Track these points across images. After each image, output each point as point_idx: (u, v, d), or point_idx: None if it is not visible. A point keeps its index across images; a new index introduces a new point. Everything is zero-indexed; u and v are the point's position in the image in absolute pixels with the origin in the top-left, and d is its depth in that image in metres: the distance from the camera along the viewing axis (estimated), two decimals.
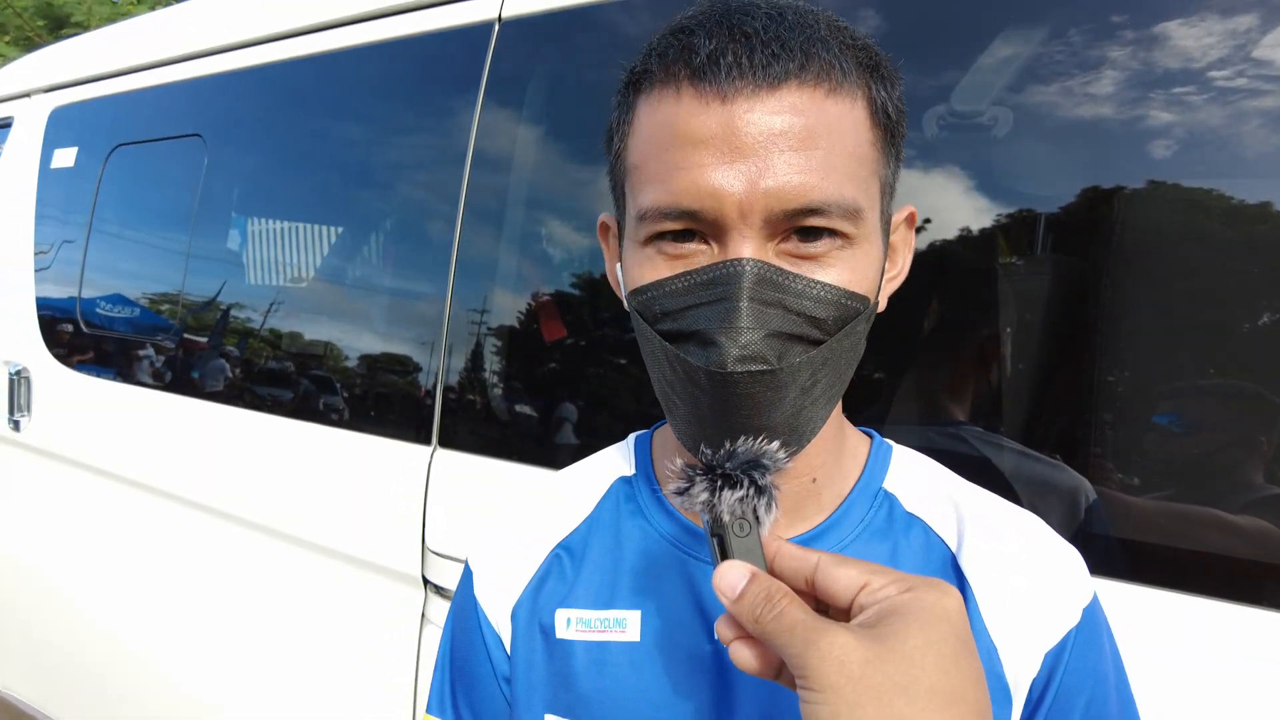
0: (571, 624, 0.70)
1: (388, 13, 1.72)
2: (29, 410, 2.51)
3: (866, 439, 0.76)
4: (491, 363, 1.52)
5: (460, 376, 1.54)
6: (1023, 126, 1.02)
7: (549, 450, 1.42)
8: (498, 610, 0.73)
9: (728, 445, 0.55)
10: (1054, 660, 0.63)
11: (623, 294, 0.68)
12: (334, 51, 1.82)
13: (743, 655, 0.50)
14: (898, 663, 0.43)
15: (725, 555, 0.53)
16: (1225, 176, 0.91)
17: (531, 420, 1.47)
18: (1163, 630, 0.90)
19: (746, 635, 0.50)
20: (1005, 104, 1.04)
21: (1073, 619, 0.64)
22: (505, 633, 0.73)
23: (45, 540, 2.45)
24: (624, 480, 0.77)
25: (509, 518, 0.79)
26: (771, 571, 0.52)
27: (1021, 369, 1.02)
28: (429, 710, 0.78)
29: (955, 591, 0.48)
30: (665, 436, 0.77)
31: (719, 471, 0.54)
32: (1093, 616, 0.66)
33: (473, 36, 1.58)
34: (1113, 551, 0.95)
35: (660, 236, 0.58)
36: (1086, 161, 0.99)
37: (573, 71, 1.49)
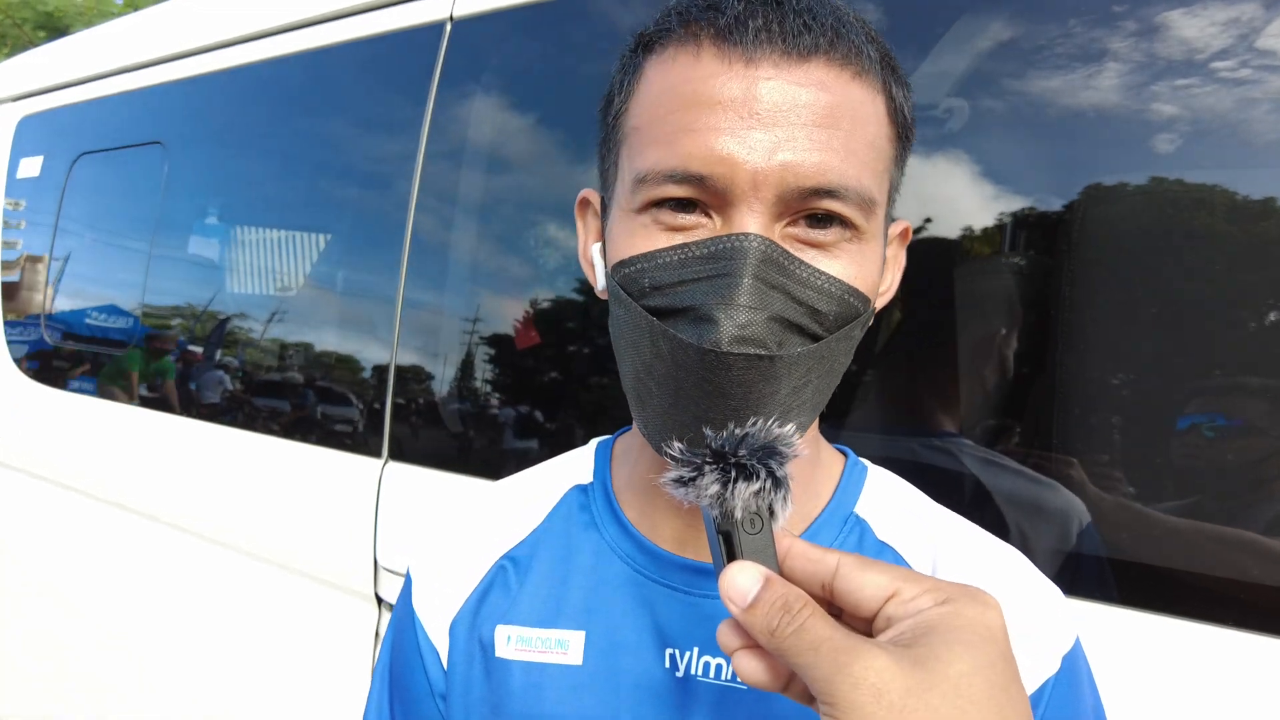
0: (511, 641, 0.64)
1: (339, 15, 1.68)
2: None
3: (841, 457, 0.70)
4: (444, 373, 1.47)
5: (411, 387, 1.50)
6: (1039, 122, 0.96)
7: (503, 463, 1.36)
8: (436, 624, 0.68)
9: (734, 428, 0.48)
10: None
11: (597, 276, 0.62)
12: (288, 56, 1.78)
13: (750, 667, 0.44)
14: (944, 692, 0.37)
15: (733, 556, 0.46)
16: (1232, 169, 0.85)
17: (485, 432, 1.42)
18: (1161, 656, 0.84)
19: (753, 645, 0.44)
20: (1011, 99, 0.99)
21: (1051, 667, 0.58)
22: (443, 648, 0.68)
23: (11, 556, 2.41)
24: (579, 489, 0.71)
25: (454, 524, 0.73)
26: (782, 573, 0.45)
27: (1016, 377, 0.96)
28: (365, 718, 0.73)
29: (997, 604, 0.42)
30: (629, 443, 0.71)
31: (732, 459, 0.46)
32: (1073, 665, 0.60)
33: (424, 36, 1.54)
34: (1103, 574, 0.88)
35: (659, 205, 0.53)
36: (1094, 161, 0.93)
37: (526, 69, 1.44)
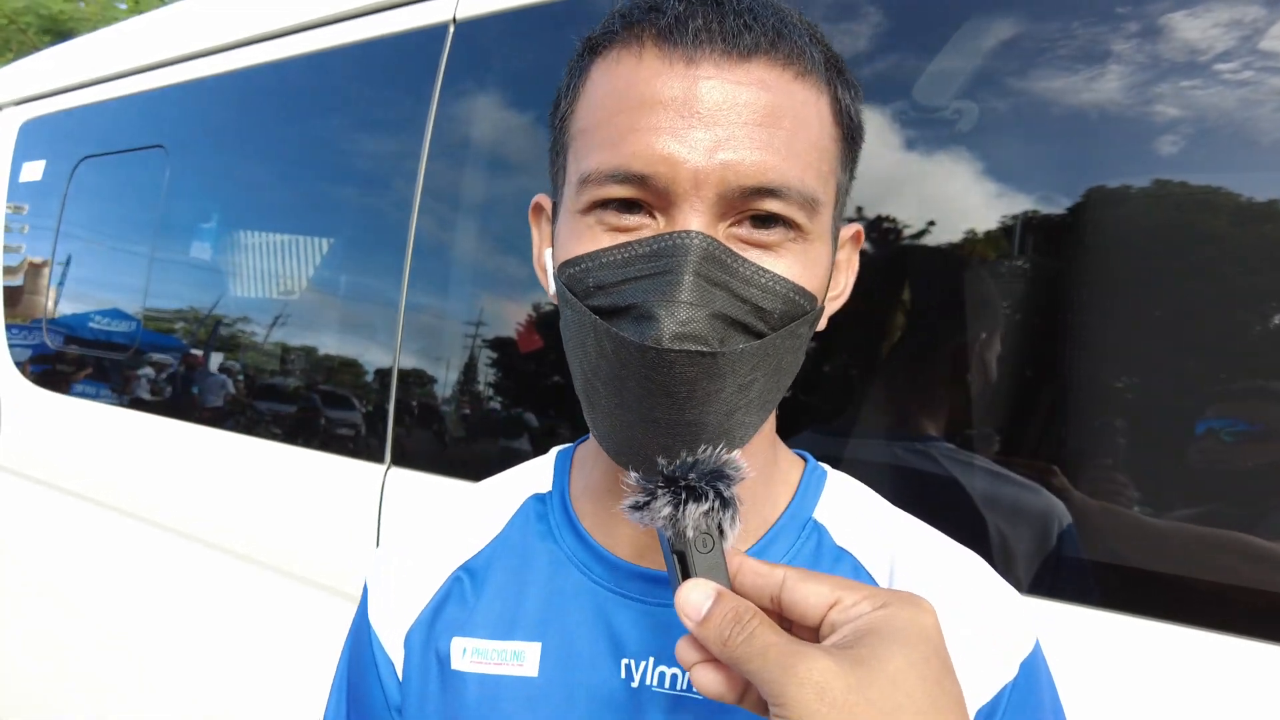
0: (467, 654, 0.64)
1: (341, 17, 1.67)
2: None
3: (800, 462, 0.70)
4: (447, 378, 1.46)
5: (415, 392, 1.48)
6: (998, 122, 0.96)
7: (506, 468, 1.35)
8: (391, 635, 0.67)
9: (685, 456, 0.51)
10: (987, 715, 0.57)
11: (549, 280, 0.62)
12: (288, 59, 1.77)
13: (707, 679, 0.46)
14: (881, 687, 0.41)
15: (687, 574, 0.49)
16: (1227, 172, 0.85)
17: (487, 437, 1.41)
18: (1140, 658, 0.83)
19: (710, 659, 0.46)
20: (983, 98, 0.98)
21: (1009, 673, 0.58)
22: (398, 660, 0.67)
23: (13, 560, 2.40)
24: (537, 498, 0.71)
25: (409, 535, 0.73)
26: (734, 589, 0.48)
27: (998, 381, 0.95)
28: None
29: (931, 607, 0.45)
30: (587, 451, 0.70)
31: (681, 483, 0.49)
32: (1032, 671, 0.60)
33: (427, 38, 1.53)
34: (1083, 576, 0.88)
35: (603, 205, 0.53)
36: (1068, 160, 0.92)
37: (529, 70, 1.43)
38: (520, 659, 0.62)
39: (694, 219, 0.51)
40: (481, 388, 1.44)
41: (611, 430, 0.55)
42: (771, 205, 0.52)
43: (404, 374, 1.49)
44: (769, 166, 0.51)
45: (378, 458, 1.50)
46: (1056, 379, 0.91)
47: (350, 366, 1.63)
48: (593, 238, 0.54)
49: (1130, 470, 0.86)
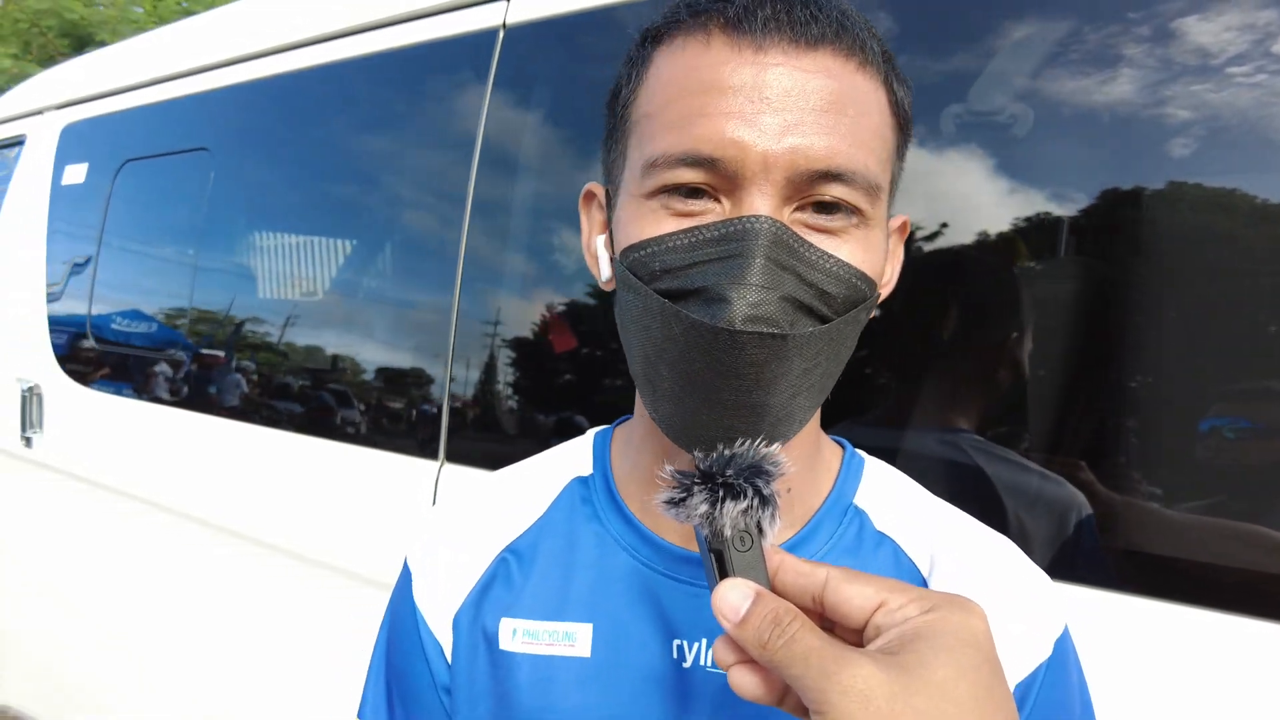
0: (517, 635, 0.65)
1: (390, 22, 1.70)
2: (41, 427, 2.51)
3: (839, 449, 0.72)
4: (500, 375, 1.49)
5: (468, 390, 1.51)
6: (1013, 125, 0.99)
7: None
8: (438, 617, 0.68)
9: (722, 449, 0.50)
10: (1023, 694, 0.59)
11: (601, 268, 0.63)
12: (335, 63, 1.80)
13: (745, 682, 0.45)
14: (929, 696, 0.39)
15: (724, 573, 0.47)
16: (1242, 173, 0.87)
17: (540, 434, 1.43)
18: (1167, 643, 0.86)
19: (748, 659, 0.45)
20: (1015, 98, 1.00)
21: (1045, 652, 0.61)
22: (446, 641, 0.68)
23: (56, 557, 2.44)
24: (580, 481, 0.71)
25: (452, 516, 0.74)
26: (774, 588, 0.47)
27: (1026, 375, 0.97)
28: (361, 714, 0.73)
29: (981, 611, 0.44)
30: (628, 433, 0.71)
31: (719, 480, 0.48)
32: (1063, 650, 0.62)
33: (477, 43, 1.56)
34: (1105, 567, 0.91)
35: (669, 191, 0.54)
36: (1099, 160, 0.94)
37: (579, 75, 1.45)
38: (572, 640, 0.63)
39: (761, 203, 0.52)
40: (533, 384, 1.46)
41: (674, 413, 0.55)
42: (837, 190, 0.53)
43: (457, 373, 1.52)
44: (836, 151, 0.52)
45: (432, 455, 1.52)
46: (1084, 377, 0.94)
47: (405, 365, 1.66)
48: (656, 222, 0.55)
49: (1150, 464, 0.89)
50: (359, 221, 1.79)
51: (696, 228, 0.53)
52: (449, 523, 0.73)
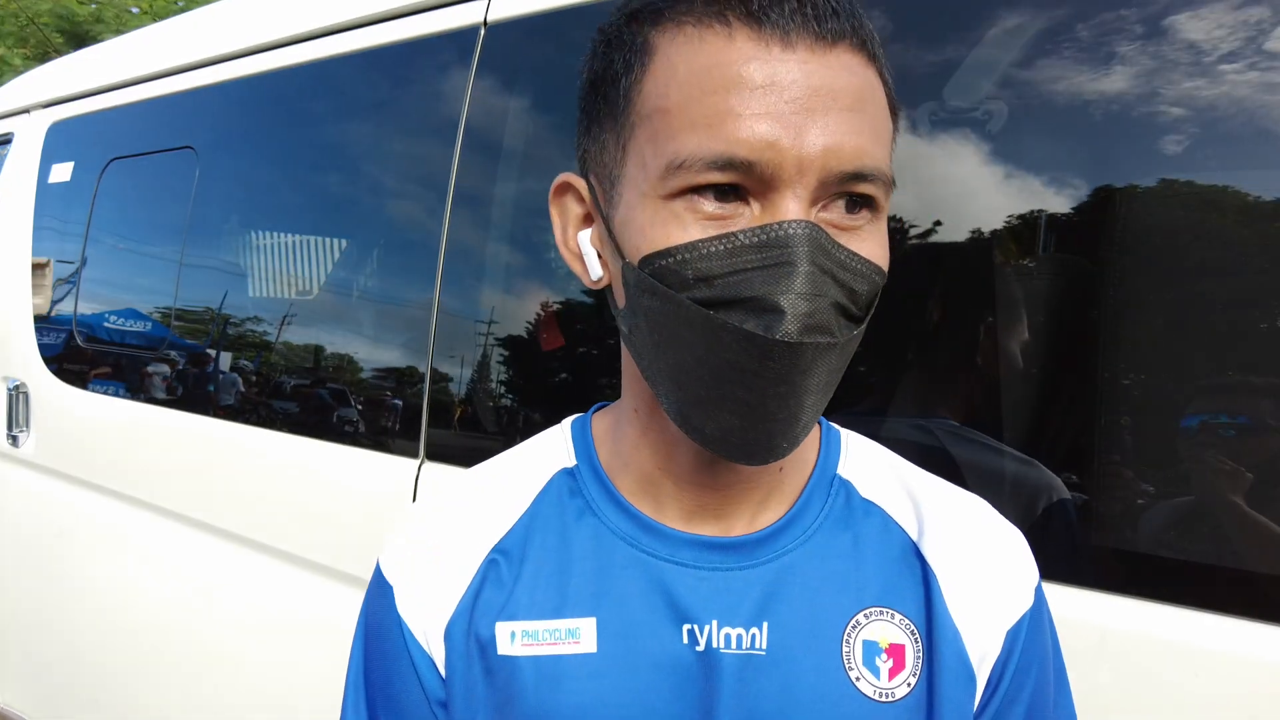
0: (516, 638, 0.62)
1: (371, 20, 1.69)
2: (28, 426, 2.50)
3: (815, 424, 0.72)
4: (481, 373, 1.48)
5: (448, 387, 1.51)
6: (989, 118, 0.99)
7: None
8: (429, 630, 0.65)
9: None
10: (1013, 639, 0.63)
11: (590, 266, 0.61)
12: (317, 61, 1.79)
13: None
14: None
15: None
16: (1228, 170, 0.87)
17: (521, 431, 1.43)
18: (1132, 638, 0.86)
19: None
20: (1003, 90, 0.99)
21: (1028, 600, 0.65)
22: (439, 654, 0.64)
23: (42, 557, 2.44)
24: (566, 473, 0.68)
25: (429, 520, 0.69)
26: None
27: (1001, 363, 0.98)
28: None
29: None
30: (612, 421, 0.70)
31: None
32: (1040, 596, 0.67)
33: (459, 40, 1.55)
34: (1079, 555, 0.93)
35: (697, 191, 0.52)
36: (1081, 156, 0.94)
37: (561, 72, 1.45)
38: (576, 636, 0.61)
39: (795, 206, 0.51)
40: (515, 381, 1.46)
41: (706, 420, 0.55)
42: (864, 188, 0.52)
43: (437, 369, 1.51)
44: (864, 151, 0.51)
45: (412, 453, 1.52)
46: (1061, 366, 0.94)
47: (385, 363, 1.65)
48: (683, 226, 0.52)
49: (1127, 454, 0.89)
50: (341, 219, 1.78)
51: (732, 234, 0.51)
52: (427, 528, 0.69)
